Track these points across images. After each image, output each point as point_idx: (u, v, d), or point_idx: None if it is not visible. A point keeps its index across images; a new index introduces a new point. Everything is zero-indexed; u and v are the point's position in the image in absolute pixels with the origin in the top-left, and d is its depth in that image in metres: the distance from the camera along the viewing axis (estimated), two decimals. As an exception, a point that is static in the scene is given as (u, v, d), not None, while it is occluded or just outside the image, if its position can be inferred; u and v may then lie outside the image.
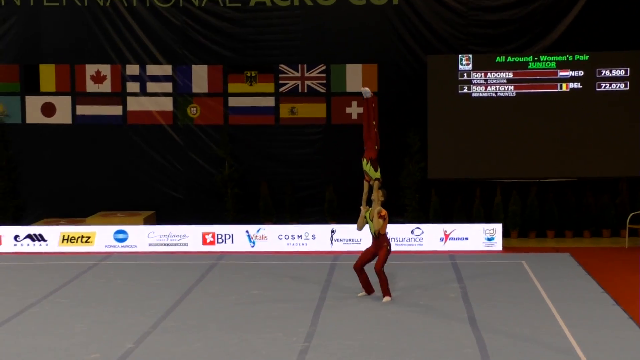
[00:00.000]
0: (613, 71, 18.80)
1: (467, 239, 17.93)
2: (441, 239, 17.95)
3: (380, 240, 13.94)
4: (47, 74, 20.14)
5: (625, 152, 18.77)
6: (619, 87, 18.82)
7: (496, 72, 18.97)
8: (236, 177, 19.97)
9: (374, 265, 13.87)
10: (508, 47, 19.40)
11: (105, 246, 18.28)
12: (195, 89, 20.06)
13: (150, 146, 20.22)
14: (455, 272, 15.97)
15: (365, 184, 13.98)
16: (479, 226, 18.07)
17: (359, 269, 14.05)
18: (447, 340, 11.71)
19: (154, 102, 20.12)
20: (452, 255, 17.45)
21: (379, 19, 19.60)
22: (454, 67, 19.01)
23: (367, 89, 14.13)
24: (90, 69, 20.08)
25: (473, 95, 19.05)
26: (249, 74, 19.98)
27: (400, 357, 11.03)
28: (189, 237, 18.22)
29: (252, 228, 18.29)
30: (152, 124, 20.16)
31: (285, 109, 20.04)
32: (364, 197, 13.97)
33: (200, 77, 20.00)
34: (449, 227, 18.07)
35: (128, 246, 18.28)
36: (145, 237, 18.28)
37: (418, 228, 18.04)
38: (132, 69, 20.05)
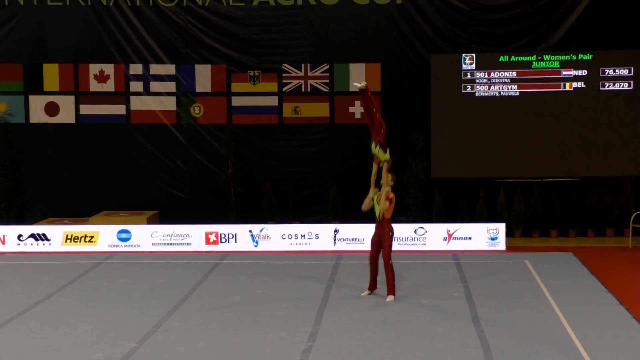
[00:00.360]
0: (617, 70, 18.77)
1: (470, 238, 17.92)
2: (444, 239, 17.94)
3: (384, 224, 13.89)
4: (51, 73, 20.14)
5: (629, 151, 18.75)
6: (623, 86, 18.79)
7: (499, 72, 18.94)
8: (239, 176, 19.97)
9: (383, 257, 13.86)
10: (511, 46, 19.39)
11: (109, 245, 18.29)
12: (198, 88, 20.06)
13: (153, 145, 20.22)
14: (459, 271, 15.97)
15: (374, 166, 13.90)
16: (482, 225, 18.05)
17: (374, 263, 14.03)
18: (451, 340, 11.70)
19: (157, 102, 20.12)
20: (455, 254, 17.44)
21: (383, 18, 19.59)
22: (457, 66, 18.99)
23: (356, 83, 14.14)
24: (94, 69, 20.08)
25: (476, 94, 19.03)
26: (252, 74, 19.97)
27: (403, 357, 11.03)
28: (192, 236, 18.23)
29: (256, 227, 18.29)
30: (156, 124, 20.16)
31: (288, 109, 20.04)
32: (373, 178, 13.89)
33: (203, 77, 20.00)
34: (452, 226, 18.06)
35: (131, 245, 18.28)
36: (148, 236, 18.29)
37: (421, 227, 18.03)
38: (136, 69, 20.05)
